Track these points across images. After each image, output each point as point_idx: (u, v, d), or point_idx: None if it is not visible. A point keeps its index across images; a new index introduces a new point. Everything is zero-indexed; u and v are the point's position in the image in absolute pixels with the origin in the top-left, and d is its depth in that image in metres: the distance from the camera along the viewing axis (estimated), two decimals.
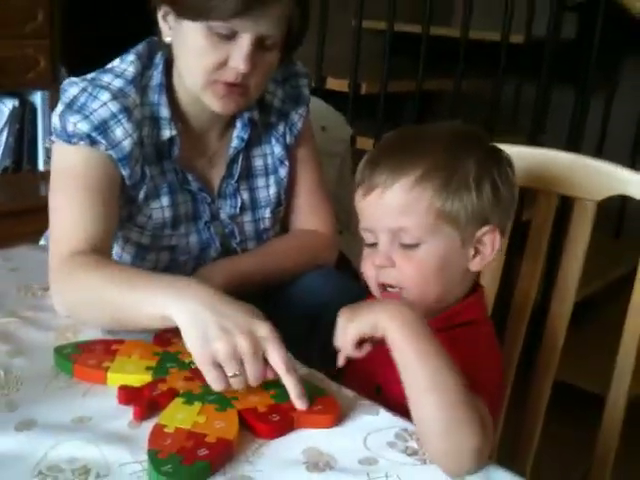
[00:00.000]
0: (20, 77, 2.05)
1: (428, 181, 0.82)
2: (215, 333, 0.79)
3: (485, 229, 0.85)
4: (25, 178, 2.19)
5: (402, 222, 0.83)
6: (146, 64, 1.11)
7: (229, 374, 0.78)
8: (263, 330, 0.79)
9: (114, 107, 1.03)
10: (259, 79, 1.05)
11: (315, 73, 2.30)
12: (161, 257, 1.14)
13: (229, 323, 0.79)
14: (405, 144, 0.87)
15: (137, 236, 1.12)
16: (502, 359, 0.91)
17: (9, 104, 2.10)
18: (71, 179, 1.04)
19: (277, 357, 0.78)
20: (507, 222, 0.90)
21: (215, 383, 0.79)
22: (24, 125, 2.14)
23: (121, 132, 1.03)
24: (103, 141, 1.02)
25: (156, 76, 1.10)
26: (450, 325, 0.86)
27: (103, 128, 1.02)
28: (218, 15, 0.97)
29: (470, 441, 0.69)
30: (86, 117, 1.02)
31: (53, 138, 1.06)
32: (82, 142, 1.02)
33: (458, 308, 0.87)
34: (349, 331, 0.76)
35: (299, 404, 0.77)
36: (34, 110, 2.15)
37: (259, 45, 1.02)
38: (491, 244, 0.86)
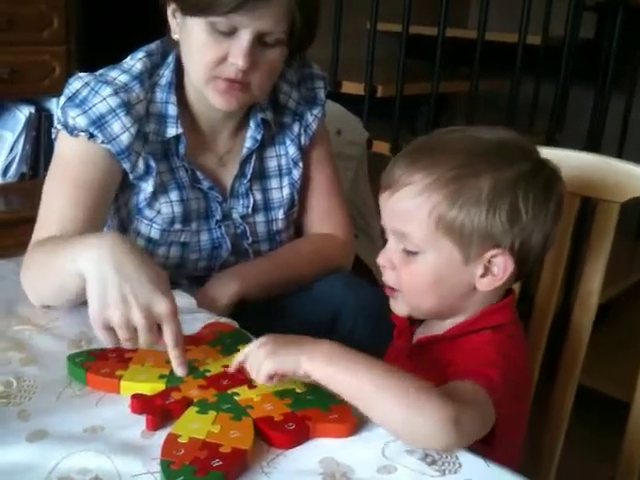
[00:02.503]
0: (36, 84, 2.05)
1: (435, 191, 0.80)
2: (113, 299, 0.82)
3: (494, 252, 0.81)
4: (41, 185, 2.17)
5: (404, 227, 0.82)
6: (158, 62, 1.13)
7: (121, 338, 0.83)
8: (161, 306, 0.82)
9: (113, 102, 1.05)
10: (262, 76, 1.06)
11: (330, 76, 2.29)
12: (171, 252, 1.15)
13: (129, 292, 0.82)
14: (429, 148, 0.84)
15: (146, 229, 1.13)
16: (525, 361, 0.88)
17: (25, 111, 2.11)
18: (64, 170, 1.08)
19: (168, 333, 0.82)
20: (530, 247, 0.82)
21: (106, 342, 0.84)
22: (40, 132, 2.14)
23: (118, 126, 1.05)
24: (100, 135, 1.05)
25: (167, 74, 1.12)
26: (468, 331, 0.84)
27: (100, 123, 1.05)
28: (216, 11, 0.98)
29: (436, 416, 0.69)
30: (85, 112, 1.05)
31: (58, 126, 1.09)
32: (82, 134, 1.05)
33: (477, 316, 0.85)
34: (266, 365, 0.76)
35: (179, 372, 0.82)
36: (50, 117, 2.15)
37: (260, 42, 1.02)
38: (503, 267, 0.82)
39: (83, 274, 0.86)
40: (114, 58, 1.15)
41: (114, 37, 1.98)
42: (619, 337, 2.37)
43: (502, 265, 0.82)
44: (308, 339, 0.77)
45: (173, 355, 0.82)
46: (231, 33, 1.00)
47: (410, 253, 0.83)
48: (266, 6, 0.99)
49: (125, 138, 1.06)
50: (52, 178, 1.09)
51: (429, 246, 0.81)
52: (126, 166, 1.08)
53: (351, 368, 0.73)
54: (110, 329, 0.83)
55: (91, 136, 1.05)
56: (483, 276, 0.82)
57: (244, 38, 1.00)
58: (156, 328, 0.83)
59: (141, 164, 1.09)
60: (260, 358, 0.76)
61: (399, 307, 0.88)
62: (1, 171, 2.11)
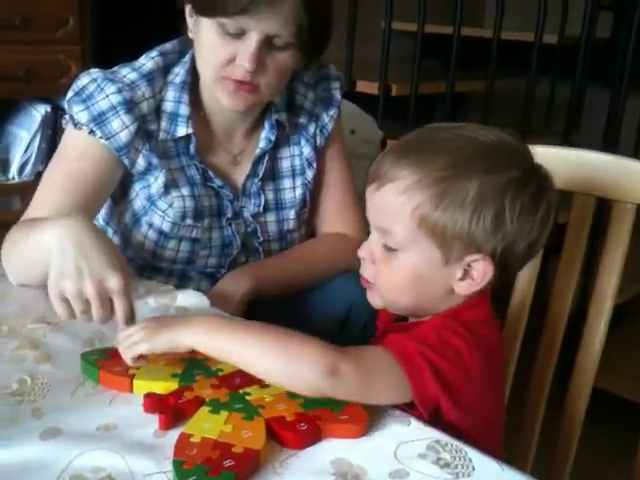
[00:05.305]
0: (52, 83, 2.06)
1: (420, 190, 0.78)
2: (69, 271, 0.85)
3: (475, 257, 0.79)
4: None
5: (386, 224, 0.82)
6: (174, 60, 1.14)
7: (75, 311, 0.86)
8: (112, 281, 0.85)
9: (115, 99, 1.08)
10: (270, 79, 1.06)
11: (345, 76, 2.28)
12: (182, 247, 1.16)
13: (84, 265, 0.85)
14: (420, 144, 0.83)
15: (159, 221, 1.14)
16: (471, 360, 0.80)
17: (41, 110, 2.11)
18: (62, 162, 1.11)
19: (119, 308, 0.85)
20: (512, 255, 0.81)
21: (60, 314, 0.87)
22: (56, 131, 2.15)
23: (118, 124, 1.07)
24: (99, 132, 1.07)
25: (182, 74, 1.13)
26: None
27: (100, 119, 1.07)
28: (223, 12, 1.00)
29: (314, 362, 0.73)
30: (87, 108, 1.08)
31: (67, 117, 1.11)
32: (85, 128, 1.08)
33: (442, 314, 0.83)
34: (139, 347, 0.79)
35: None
36: None
37: (268, 44, 1.03)
38: (482, 273, 0.80)
39: (48, 248, 0.89)
40: (129, 57, 1.16)
41: (129, 36, 1.99)
42: (634, 338, 2.35)
43: (481, 270, 0.80)
44: (185, 317, 0.81)
45: (121, 331, 0.83)
46: (240, 35, 1.02)
47: (391, 250, 0.82)
48: (271, 9, 0.99)
49: (124, 136, 1.08)
50: (50, 167, 1.12)
51: (410, 245, 0.81)
52: (126, 162, 1.10)
53: (232, 331, 0.77)
54: (65, 301, 0.86)
55: (91, 131, 1.08)
56: (462, 279, 0.81)
57: (252, 40, 1.01)
58: (109, 304, 0.86)
59: (141, 161, 1.11)
60: (137, 340, 0.79)
61: (374, 299, 0.88)
62: (17, 170, 2.12)
